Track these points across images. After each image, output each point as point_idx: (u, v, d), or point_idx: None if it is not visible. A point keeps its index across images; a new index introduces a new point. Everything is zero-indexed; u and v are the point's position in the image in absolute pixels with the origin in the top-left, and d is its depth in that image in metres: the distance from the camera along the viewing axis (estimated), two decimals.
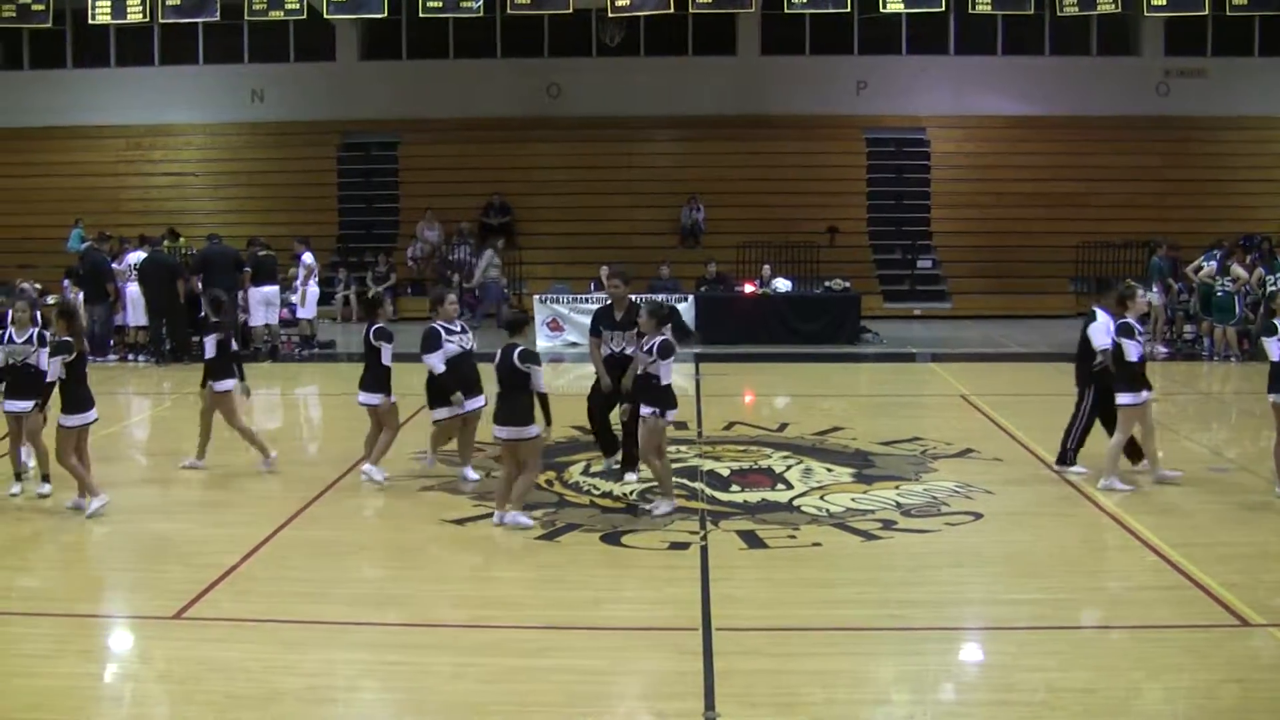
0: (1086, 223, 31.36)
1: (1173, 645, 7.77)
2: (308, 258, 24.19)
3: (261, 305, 22.94)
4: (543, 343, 23.65)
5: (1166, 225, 29.84)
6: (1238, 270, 22.19)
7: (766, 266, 26.66)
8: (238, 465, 13.34)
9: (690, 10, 26.57)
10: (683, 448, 13.67)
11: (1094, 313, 12.26)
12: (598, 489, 11.64)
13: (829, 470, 12.67)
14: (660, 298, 23.57)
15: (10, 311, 11.84)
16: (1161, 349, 23.05)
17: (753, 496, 11.57)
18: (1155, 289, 23.50)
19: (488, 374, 11.24)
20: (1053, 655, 7.57)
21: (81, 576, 9.54)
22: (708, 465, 12.80)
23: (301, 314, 24.01)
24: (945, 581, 9.13)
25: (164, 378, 20.58)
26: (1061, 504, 11.35)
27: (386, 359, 12.24)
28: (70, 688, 7.18)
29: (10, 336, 11.36)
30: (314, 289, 24.21)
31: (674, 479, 11.33)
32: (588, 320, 12.44)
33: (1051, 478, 12.34)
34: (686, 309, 24.62)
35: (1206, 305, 22.78)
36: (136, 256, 22.89)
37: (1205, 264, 23.24)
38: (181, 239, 29.14)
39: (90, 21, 25.24)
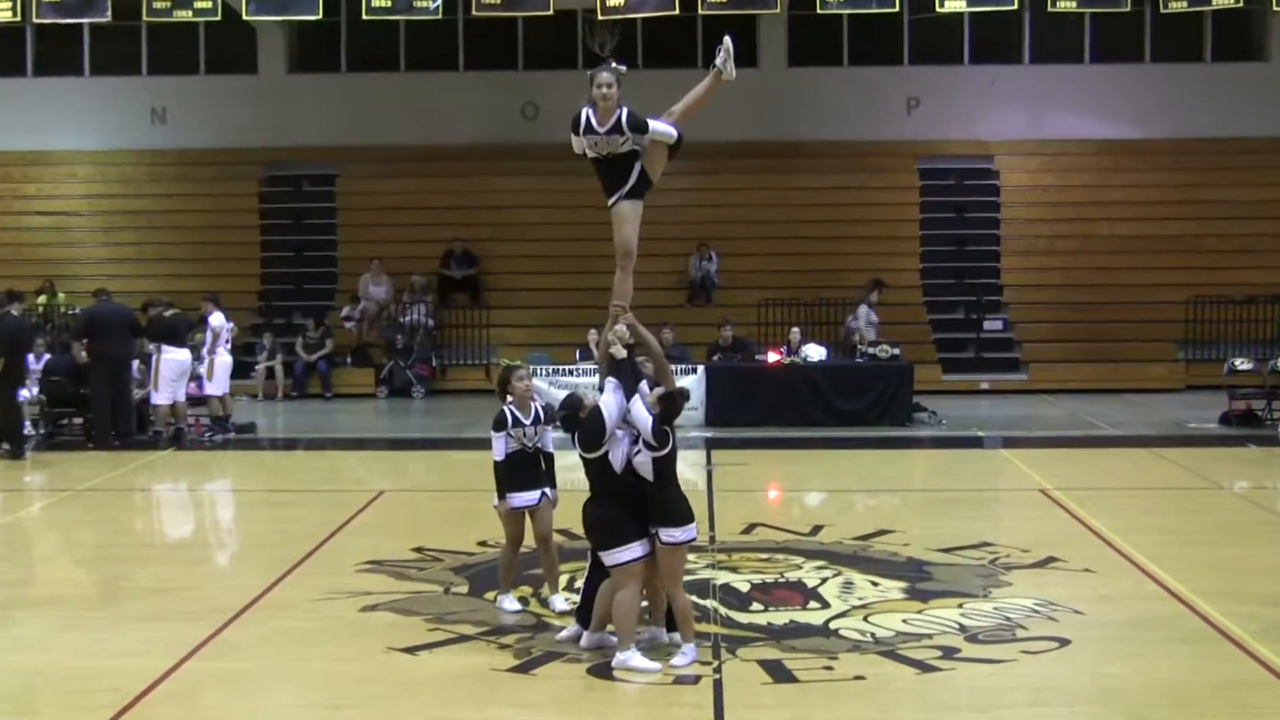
0: (1198, 272, 31.55)
1: None
2: (216, 319, 24.14)
3: (173, 378, 22.89)
4: None
5: None
6: None
7: (795, 330, 26.64)
8: (136, 580, 13.32)
9: (700, 11, 26.79)
10: (693, 557, 13.65)
11: None
12: None
13: (874, 584, 12.66)
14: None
15: None
16: None
17: (779, 617, 11.56)
18: None
19: None
20: None
21: None
22: (722, 578, 12.79)
23: (209, 390, 23.95)
24: None
25: (25, 470, 20.68)
26: (1170, 626, 11.29)
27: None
28: None
29: None
30: (225, 358, 24.14)
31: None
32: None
33: (1157, 593, 12.31)
34: (695, 383, 24.67)
35: None
36: None
37: None
38: (61, 295, 29.23)
39: None
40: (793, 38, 34.80)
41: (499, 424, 11.65)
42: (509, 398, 11.72)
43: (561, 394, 24.62)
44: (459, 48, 35.38)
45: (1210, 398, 26.24)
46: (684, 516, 10.36)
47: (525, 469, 11.63)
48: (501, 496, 11.69)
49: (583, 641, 10.62)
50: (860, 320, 28.13)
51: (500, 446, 11.65)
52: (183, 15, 25.93)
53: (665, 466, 10.31)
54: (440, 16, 27.08)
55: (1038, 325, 32.19)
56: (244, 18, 26.83)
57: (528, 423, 11.60)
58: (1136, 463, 20.85)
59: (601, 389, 10.73)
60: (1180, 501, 17.72)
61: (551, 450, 11.78)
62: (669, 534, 10.25)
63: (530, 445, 11.61)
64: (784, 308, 29.53)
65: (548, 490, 11.63)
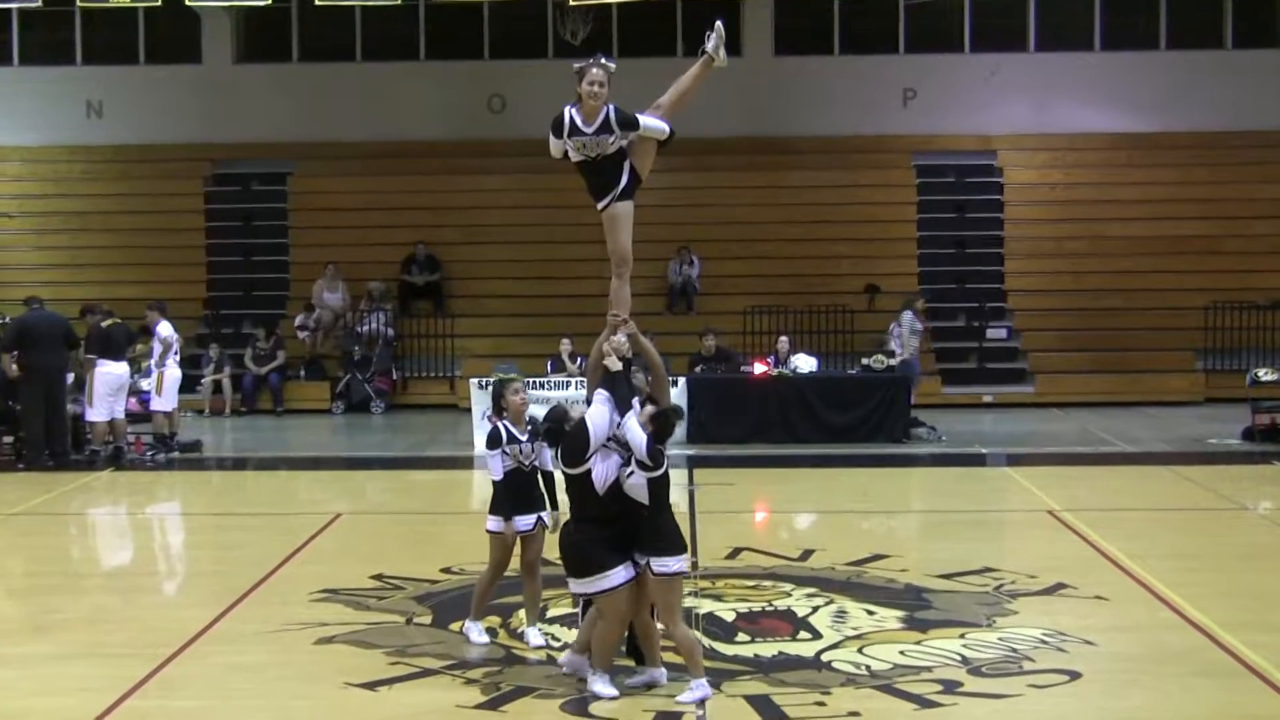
0: (1218, 275, 31.59)
1: None
2: (165, 329, 24.12)
3: (109, 393, 22.83)
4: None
5: None
6: None
7: (783, 339, 26.66)
8: (71, 611, 13.27)
9: None
10: None
11: None
12: (558, 640, 11.58)
13: (870, 613, 12.67)
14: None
15: None
16: None
17: (767, 649, 11.55)
18: None
19: None
20: None
21: None
22: (706, 607, 12.78)
23: (157, 406, 23.92)
24: None
25: None
26: (1189, 658, 11.30)
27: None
28: None
29: None
30: (175, 371, 24.13)
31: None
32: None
33: (1175, 623, 12.32)
34: (676, 396, 24.63)
35: None
36: None
37: None
38: None
39: None
40: (780, 23, 34.82)
41: (493, 441, 11.58)
42: (504, 412, 11.67)
43: (531, 407, 24.71)
44: (419, 35, 35.31)
45: (1232, 411, 26.25)
46: (677, 545, 10.35)
47: (523, 489, 11.58)
48: (505, 519, 11.63)
49: (562, 658, 10.63)
50: (904, 328, 28.08)
51: (497, 465, 11.59)
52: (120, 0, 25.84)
53: (659, 489, 10.28)
54: (399, 2, 27.06)
55: (1045, 333, 32.22)
56: (187, 3, 26.80)
57: (524, 439, 11.51)
58: (1152, 482, 20.85)
59: (589, 401, 10.72)
60: (1200, 523, 17.71)
61: (551, 468, 11.64)
62: (661, 564, 10.18)
63: (527, 463, 11.55)
64: (771, 315, 29.50)
65: (543, 515, 11.54)
